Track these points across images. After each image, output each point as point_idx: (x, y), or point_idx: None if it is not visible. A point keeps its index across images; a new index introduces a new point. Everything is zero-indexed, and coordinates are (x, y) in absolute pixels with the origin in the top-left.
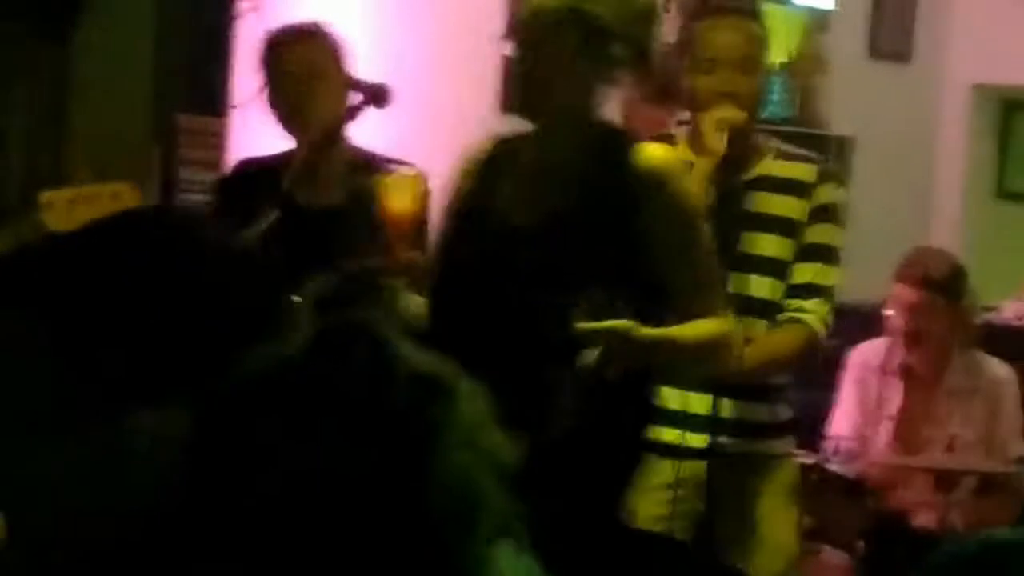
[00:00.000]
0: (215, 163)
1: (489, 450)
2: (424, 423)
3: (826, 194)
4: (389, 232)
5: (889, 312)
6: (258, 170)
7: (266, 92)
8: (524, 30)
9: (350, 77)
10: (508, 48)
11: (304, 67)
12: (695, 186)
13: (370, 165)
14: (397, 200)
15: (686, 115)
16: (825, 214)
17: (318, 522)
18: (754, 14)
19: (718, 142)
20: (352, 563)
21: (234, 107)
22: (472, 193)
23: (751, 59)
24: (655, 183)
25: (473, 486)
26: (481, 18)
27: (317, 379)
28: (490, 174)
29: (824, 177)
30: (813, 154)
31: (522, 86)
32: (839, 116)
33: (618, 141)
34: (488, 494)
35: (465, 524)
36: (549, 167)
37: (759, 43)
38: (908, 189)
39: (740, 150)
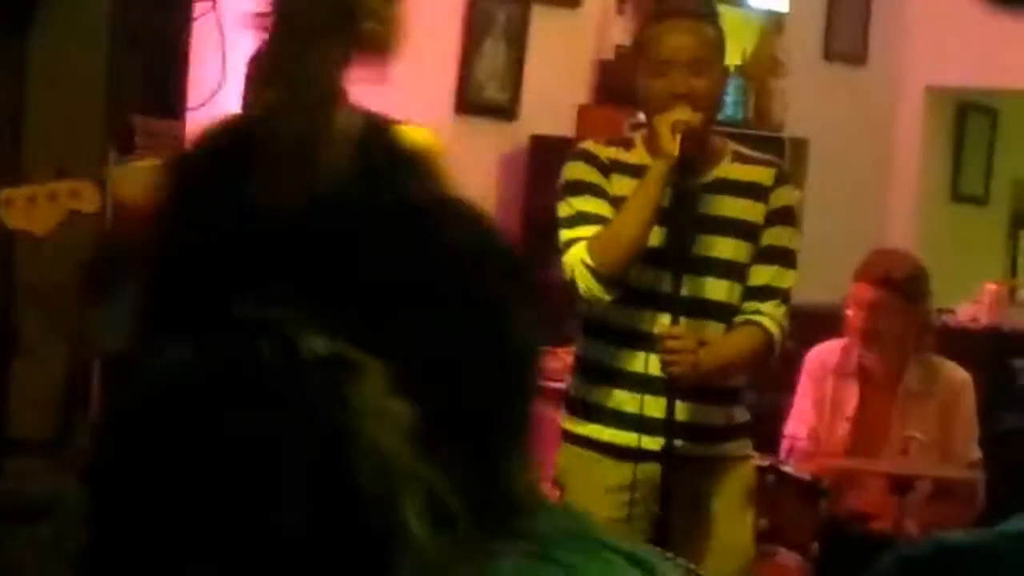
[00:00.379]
0: None
1: (399, 421)
2: (338, 405)
3: (783, 197)
4: (123, 222)
5: (848, 311)
6: None
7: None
8: (278, 5)
9: None
10: (457, 46)
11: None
12: (650, 188)
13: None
14: (128, 189)
15: (641, 118)
16: (782, 217)
17: (246, 522)
18: (709, 16)
19: (672, 144)
20: (288, 558)
21: (191, 109)
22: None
23: (704, 61)
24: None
25: (396, 461)
26: (438, 19)
27: (216, 385)
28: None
29: (781, 180)
30: (770, 157)
31: (273, 63)
32: (794, 118)
33: (378, 122)
34: (412, 467)
35: (395, 502)
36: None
37: (713, 45)
38: (863, 191)
39: (697, 152)
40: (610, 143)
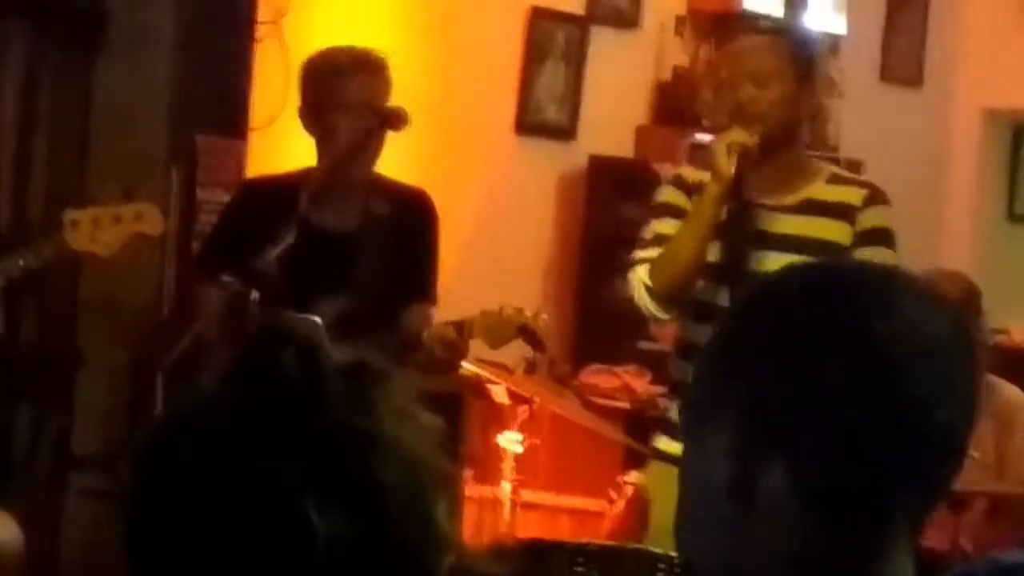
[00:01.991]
0: (235, 185)
1: (425, 424)
2: (363, 410)
3: (873, 218)
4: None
5: None
6: (270, 190)
7: (301, 112)
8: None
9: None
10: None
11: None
12: (704, 209)
13: (385, 188)
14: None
15: (698, 138)
16: (871, 238)
17: (285, 526)
18: (784, 33)
19: (727, 165)
20: (329, 559)
21: (254, 129)
22: None
23: (771, 74)
24: None
25: (424, 463)
26: (498, 41)
27: (245, 402)
28: None
29: (872, 201)
30: (866, 179)
31: None
32: (850, 140)
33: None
34: (441, 469)
35: (426, 503)
36: None
37: (784, 60)
38: (918, 212)
39: (760, 170)
40: (703, 167)
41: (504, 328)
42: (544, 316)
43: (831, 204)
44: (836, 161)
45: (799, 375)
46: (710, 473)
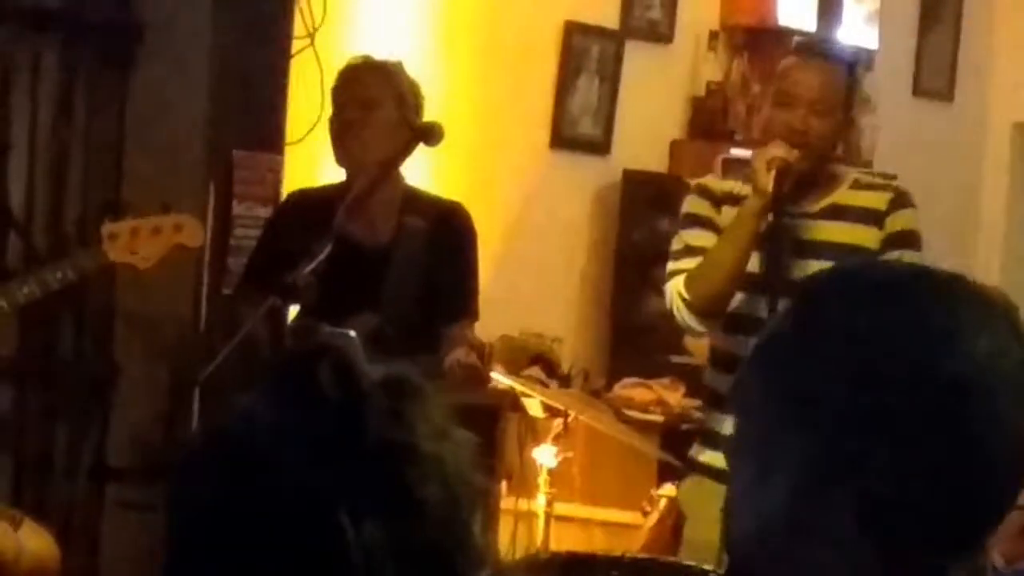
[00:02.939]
0: (271, 199)
1: (459, 438)
2: (396, 424)
3: (901, 221)
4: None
5: None
6: (308, 204)
7: (329, 123)
8: None
9: (407, 115)
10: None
11: (361, 98)
12: (743, 223)
13: (421, 202)
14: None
15: (732, 153)
16: (899, 241)
17: (322, 535)
18: (843, 61)
19: (766, 180)
20: (367, 568)
21: (290, 143)
22: None
23: (828, 103)
24: None
25: (458, 476)
26: (533, 55)
27: (283, 416)
28: None
29: (897, 204)
30: (889, 182)
31: None
32: (883, 154)
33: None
34: (475, 483)
35: (457, 513)
36: None
37: (842, 89)
38: (951, 226)
39: (812, 180)
40: (729, 177)
41: (521, 355)
42: (561, 341)
43: (858, 209)
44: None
45: (869, 405)
46: (772, 498)
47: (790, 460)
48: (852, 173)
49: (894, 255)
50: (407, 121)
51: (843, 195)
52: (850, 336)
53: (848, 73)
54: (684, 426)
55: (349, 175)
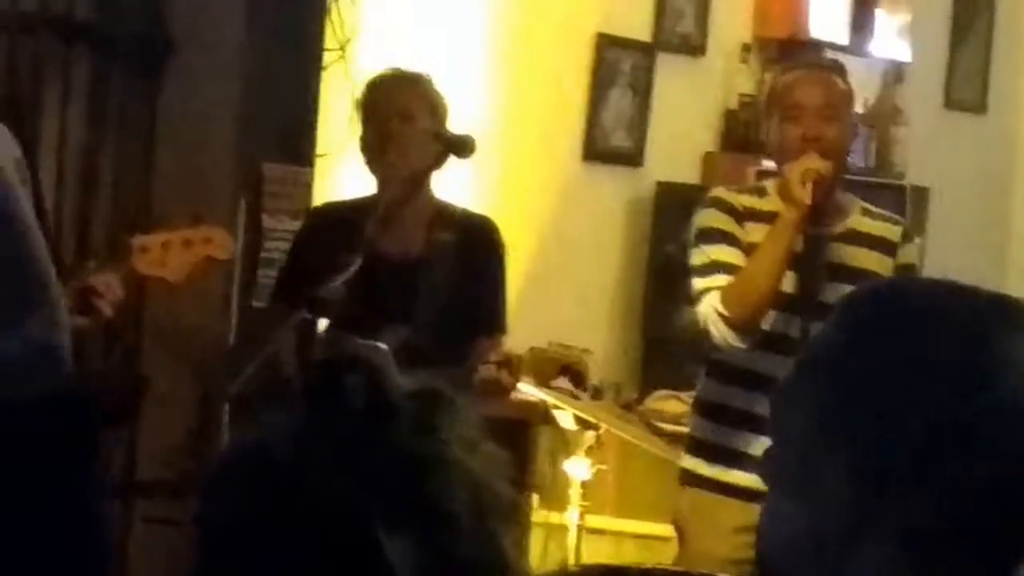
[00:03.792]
0: (301, 212)
1: (490, 452)
2: (427, 435)
3: (909, 254)
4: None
5: None
6: (336, 217)
7: (363, 135)
8: None
9: (438, 127)
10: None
11: (399, 110)
12: (782, 237)
13: (451, 216)
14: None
15: (766, 165)
16: (906, 273)
17: (354, 545)
18: (839, 71)
19: (803, 193)
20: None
21: (320, 156)
22: None
23: (834, 109)
24: None
25: (488, 489)
26: (565, 68)
27: (313, 428)
28: None
29: (907, 237)
30: (894, 215)
31: None
32: (915, 167)
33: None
34: (505, 496)
35: (487, 525)
36: None
37: (843, 97)
38: (984, 238)
39: (826, 200)
40: (743, 191)
41: (549, 366)
42: (589, 352)
43: (875, 237)
44: (902, 189)
45: (913, 436)
46: (813, 523)
47: (831, 486)
48: (857, 201)
49: None
50: (439, 133)
51: (857, 221)
52: (894, 361)
53: (848, 85)
54: None
55: (380, 188)
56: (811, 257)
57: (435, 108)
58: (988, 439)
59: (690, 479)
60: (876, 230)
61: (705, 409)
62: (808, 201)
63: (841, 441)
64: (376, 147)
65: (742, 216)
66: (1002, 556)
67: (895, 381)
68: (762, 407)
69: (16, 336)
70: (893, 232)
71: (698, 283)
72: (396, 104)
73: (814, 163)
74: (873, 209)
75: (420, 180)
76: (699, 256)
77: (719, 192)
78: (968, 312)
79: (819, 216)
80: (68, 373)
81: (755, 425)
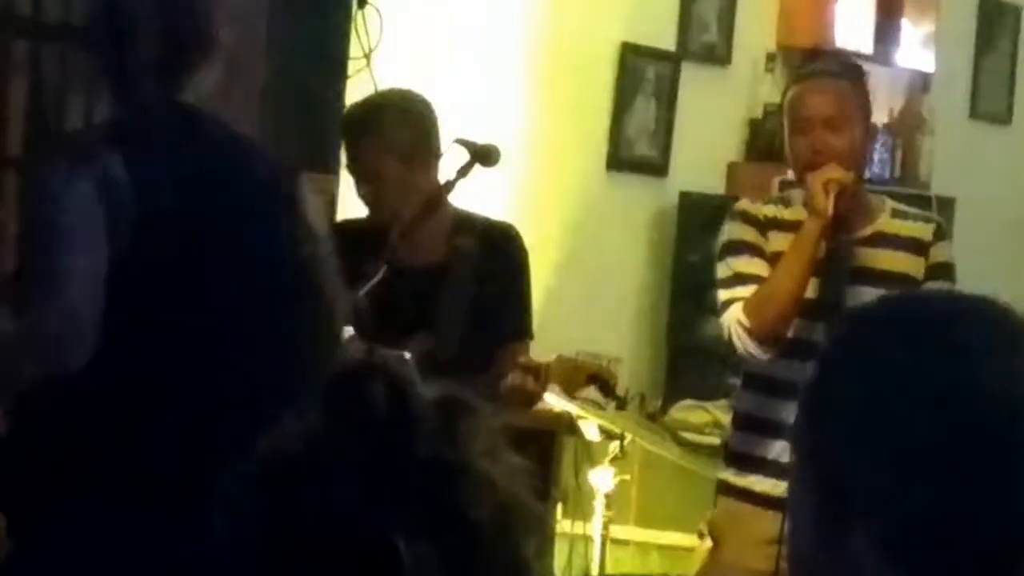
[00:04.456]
0: (326, 221)
1: (513, 461)
2: (449, 443)
3: (942, 252)
4: None
5: None
6: (356, 231)
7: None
8: None
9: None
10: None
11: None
12: (804, 247)
13: (472, 224)
14: None
15: (789, 174)
16: (941, 272)
17: (377, 551)
18: (850, 76)
19: (825, 203)
20: None
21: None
22: None
23: (842, 119)
24: None
25: (510, 497)
26: (589, 77)
27: (335, 436)
28: None
29: (939, 236)
30: (928, 213)
31: None
32: (941, 176)
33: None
34: (524, 502)
35: (510, 534)
36: None
37: (852, 104)
38: (1009, 249)
39: (851, 208)
40: (767, 201)
41: (577, 375)
42: (619, 360)
43: (903, 238)
44: (927, 199)
45: (883, 439)
46: (801, 529)
47: (811, 495)
48: (889, 202)
49: (935, 285)
50: (464, 142)
51: (886, 223)
52: (870, 362)
53: (861, 88)
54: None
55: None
56: (834, 263)
57: (413, 147)
58: (978, 441)
59: (724, 489)
60: (906, 230)
61: (737, 419)
62: (830, 211)
63: (817, 452)
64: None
65: (765, 226)
66: (994, 558)
67: (874, 396)
68: (789, 415)
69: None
70: (924, 231)
71: (722, 295)
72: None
73: (835, 173)
74: (906, 209)
75: (443, 191)
76: (723, 269)
77: (743, 204)
78: (950, 323)
79: (844, 223)
80: None
81: (784, 434)
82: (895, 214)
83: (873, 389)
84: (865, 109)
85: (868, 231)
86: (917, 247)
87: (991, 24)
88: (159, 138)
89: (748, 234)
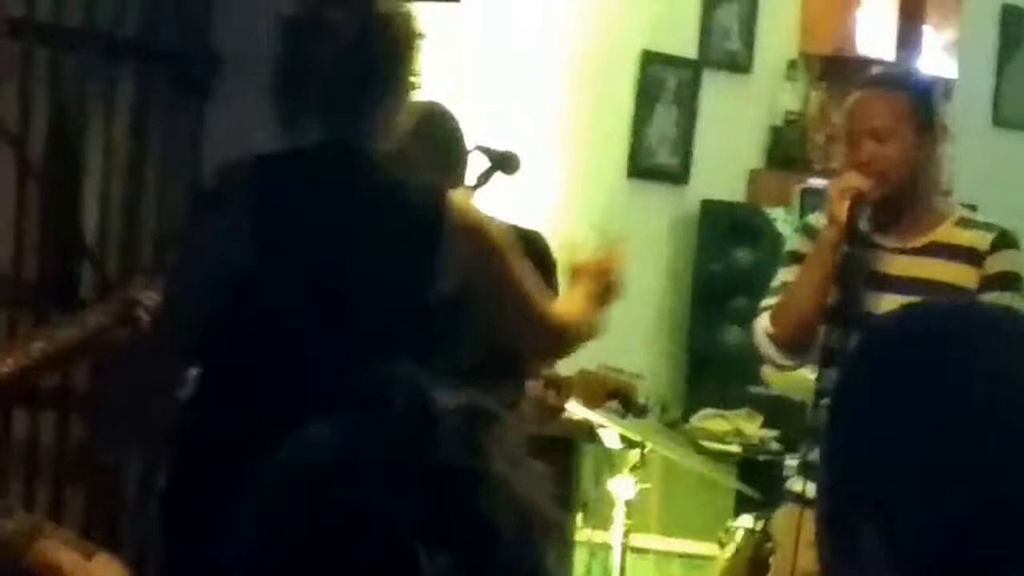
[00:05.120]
0: None
1: (532, 467)
2: (471, 451)
3: (1001, 262)
4: None
5: None
6: None
7: None
8: None
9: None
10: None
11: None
12: (820, 255)
13: None
14: None
15: (811, 182)
16: (997, 282)
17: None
18: (905, 85)
19: (840, 210)
20: None
21: None
22: None
23: (889, 130)
24: None
25: (530, 505)
26: (611, 84)
27: (355, 443)
28: None
29: (1000, 245)
30: (993, 223)
31: None
32: (963, 184)
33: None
34: (548, 513)
35: (529, 542)
36: None
37: (904, 115)
38: None
39: (900, 212)
40: (808, 207)
41: (597, 389)
42: (640, 377)
43: (957, 247)
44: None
45: (891, 447)
46: (822, 533)
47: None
48: (960, 211)
49: (991, 296)
50: (485, 149)
51: (946, 232)
52: (884, 366)
53: (917, 98)
54: (761, 457)
55: None
56: (850, 269)
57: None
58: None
59: (788, 495)
60: (964, 240)
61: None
62: (843, 218)
63: (832, 453)
64: None
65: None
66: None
67: (886, 399)
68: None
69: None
70: (983, 240)
71: (763, 303)
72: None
73: (853, 181)
74: (973, 218)
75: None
76: (775, 279)
77: (808, 218)
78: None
79: (880, 231)
80: None
81: None
82: (959, 223)
83: (882, 399)
84: (918, 120)
85: (922, 241)
86: (970, 256)
87: (1014, 30)
88: (299, 179)
89: (803, 245)
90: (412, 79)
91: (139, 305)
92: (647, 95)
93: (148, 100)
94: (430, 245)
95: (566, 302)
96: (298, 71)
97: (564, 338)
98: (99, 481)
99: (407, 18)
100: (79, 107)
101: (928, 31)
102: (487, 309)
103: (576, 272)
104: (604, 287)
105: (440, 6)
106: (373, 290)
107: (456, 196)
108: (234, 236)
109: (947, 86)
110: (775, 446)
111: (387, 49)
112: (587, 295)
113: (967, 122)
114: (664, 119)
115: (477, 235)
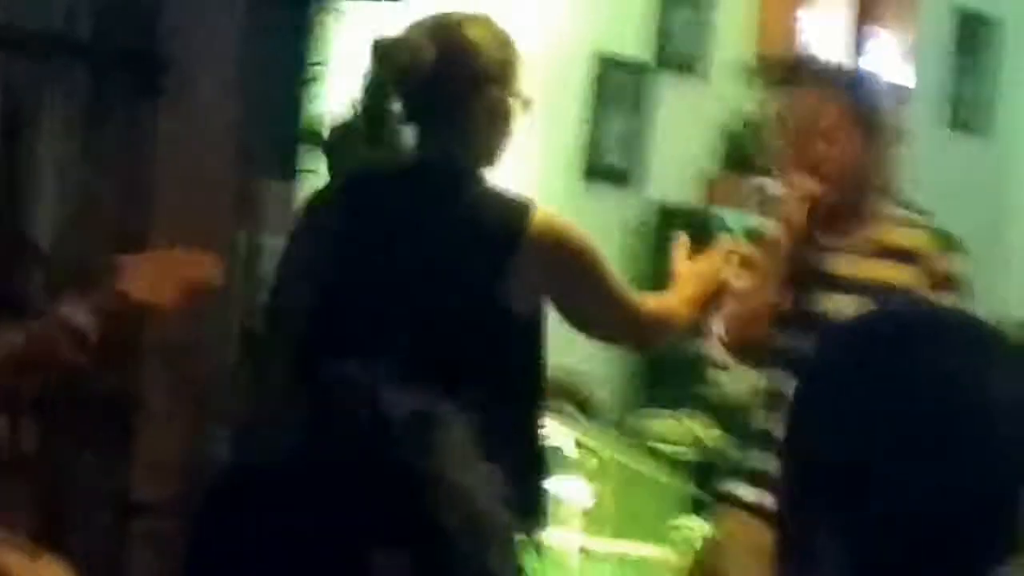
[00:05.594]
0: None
1: (483, 470)
2: (423, 454)
3: (942, 264)
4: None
5: None
6: None
7: None
8: None
9: None
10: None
11: None
12: (771, 258)
13: None
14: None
15: (766, 186)
16: (940, 285)
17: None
18: (849, 86)
19: (798, 214)
20: None
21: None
22: None
23: (837, 129)
24: None
25: (482, 508)
26: (564, 87)
27: (308, 447)
28: None
29: (939, 246)
30: (928, 223)
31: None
32: (915, 188)
33: None
34: (498, 514)
35: (483, 545)
36: None
37: (850, 115)
38: (981, 262)
39: (845, 214)
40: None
41: (550, 391)
42: (587, 374)
43: (899, 248)
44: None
45: (855, 441)
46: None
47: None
48: (896, 213)
49: (935, 298)
50: None
51: (885, 232)
52: (848, 367)
53: (863, 98)
54: (713, 459)
55: None
56: (805, 272)
57: None
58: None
59: (729, 497)
60: (906, 240)
61: (753, 436)
62: (801, 223)
63: (793, 454)
64: None
65: None
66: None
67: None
68: (775, 425)
69: None
70: (923, 240)
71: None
72: None
73: (806, 184)
74: (915, 219)
75: None
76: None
77: (751, 222)
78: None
79: (831, 234)
80: None
81: (768, 443)
82: (899, 222)
83: (842, 401)
84: (864, 122)
85: (860, 240)
86: (913, 257)
87: (970, 34)
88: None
89: (751, 251)
90: (510, 100)
91: (65, 327)
92: (601, 98)
93: (99, 102)
94: (513, 264)
95: (666, 299)
96: (390, 91)
97: (656, 330)
98: (45, 484)
99: (504, 42)
100: (31, 108)
101: (885, 35)
102: (588, 311)
103: (683, 275)
104: (711, 292)
105: (385, 6)
106: (455, 311)
107: (543, 210)
108: (324, 253)
109: (903, 91)
110: (728, 449)
111: (478, 71)
112: (690, 297)
113: (924, 127)
114: (618, 122)
115: (571, 245)
